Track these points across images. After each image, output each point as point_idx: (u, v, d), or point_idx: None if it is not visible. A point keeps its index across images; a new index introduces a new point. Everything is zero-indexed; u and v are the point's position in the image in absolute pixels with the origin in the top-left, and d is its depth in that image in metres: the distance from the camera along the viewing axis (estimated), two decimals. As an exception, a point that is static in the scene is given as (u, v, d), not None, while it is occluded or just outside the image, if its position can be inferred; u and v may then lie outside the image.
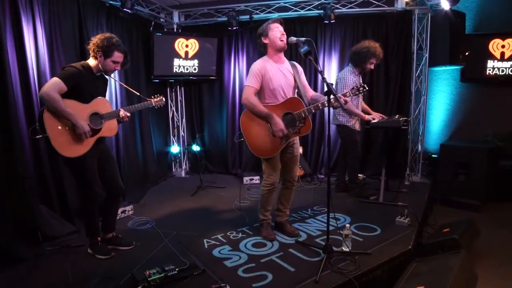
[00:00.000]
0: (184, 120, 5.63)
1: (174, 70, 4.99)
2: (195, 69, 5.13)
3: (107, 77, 2.76)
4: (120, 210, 3.59)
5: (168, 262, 2.43)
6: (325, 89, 5.08)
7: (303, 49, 2.54)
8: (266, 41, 2.82)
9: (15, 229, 2.72)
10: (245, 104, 2.75)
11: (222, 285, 2.20)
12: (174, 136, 5.65)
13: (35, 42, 3.01)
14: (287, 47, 2.84)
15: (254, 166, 5.37)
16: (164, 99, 3.03)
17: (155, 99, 2.97)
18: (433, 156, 4.84)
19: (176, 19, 5.23)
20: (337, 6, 4.71)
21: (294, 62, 2.98)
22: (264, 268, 2.51)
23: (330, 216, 3.20)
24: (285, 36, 2.78)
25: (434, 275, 2.33)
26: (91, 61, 2.57)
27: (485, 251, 3.11)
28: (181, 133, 5.63)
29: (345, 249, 2.73)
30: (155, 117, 5.15)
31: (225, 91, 5.46)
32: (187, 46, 4.98)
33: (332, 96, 2.52)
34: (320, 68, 2.57)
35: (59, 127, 2.39)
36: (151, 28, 4.80)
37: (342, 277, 2.35)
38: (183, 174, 5.59)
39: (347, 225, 2.78)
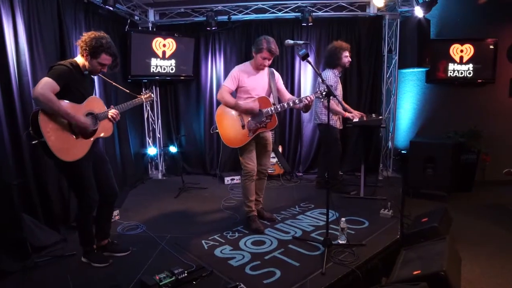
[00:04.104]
0: (160, 121, 5.49)
1: (152, 70, 4.85)
2: (172, 69, 5.04)
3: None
4: (106, 215, 3.46)
5: (175, 265, 2.41)
6: (302, 89, 5.32)
7: (301, 52, 2.64)
8: (254, 55, 3.16)
9: (0, 241, 2.52)
10: (219, 99, 3.16)
11: (236, 283, 2.22)
12: (149, 138, 5.49)
13: (15, 38, 2.78)
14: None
15: (232, 166, 5.40)
16: (153, 95, 2.95)
17: (145, 96, 2.87)
18: (403, 152, 5.19)
19: (151, 18, 5.09)
20: (313, 9, 4.89)
21: (273, 69, 3.33)
22: (270, 265, 2.57)
23: (320, 212, 3.59)
24: (267, 64, 3.16)
25: (426, 260, 2.53)
26: (79, 59, 2.44)
27: (457, 236, 3.42)
28: (157, 134, 5.49)
29: (341, 241, 2.88)
30: (131, 118, 4.97)
31: (202, 91, 5.41)
32: (164, 45, 4.87)
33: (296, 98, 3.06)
34: (319, 70, 2.66)
35: (56, 130, 2.25)
36: (127, 26, 4.63)
37: (345, 268, 2.49)
38: (159, 176, 5.46)
39: (343, 219, 2.92)
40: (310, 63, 2.67)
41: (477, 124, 4.89)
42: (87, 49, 2.37)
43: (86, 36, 2.40)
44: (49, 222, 3.04)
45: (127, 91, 2.99)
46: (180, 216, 3.71)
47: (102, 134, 2.57)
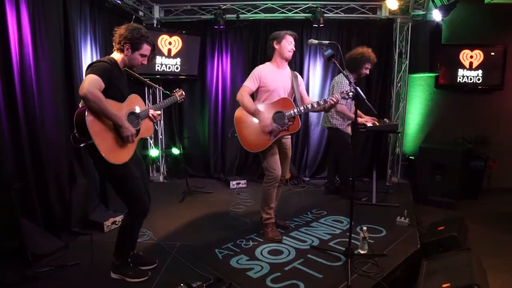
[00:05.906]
0: (162, 121, 5.30)
1: (156, 68, 4.67)
2: (177, 68, 4.86)
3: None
4: (110, 221, 3.27)
5: (190, 277, 2.26)
6: (310, 90, 5.20)
7: (327, 52, 2.51)
8: (276, 46, 3.00)
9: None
10: (239, 101, 2.97)
11: (261, 298, 2.07)
12: (151, 139, 5.29)
13: (18, 30, 2.58)
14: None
15: (238, 170, 5.24)
16: (183, 92, 2.79)
17: (178, 93, 2.71)
18: (410, 157, 5.12)
19: (156, 14, 4.91)
20: (324, 10, 4.78)
21: (296, 73, 3.18)
22: (292, 277, 2.42)
23: (334, 219, 3.48)
24: (293, 50, 3.03)
25: (453, 271, 2.41)
26: (116, 55, 2.27)
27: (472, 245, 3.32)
28: (159, 135, 5.29)
29: (362, 251, 2.75)
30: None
31: (207, 92, 5.25)
32: (170, 43, 4.70)
33: (319, 100, 2.93)
34: (346, 72, 2.55)
35: (103, 131, 2.08)
36: (132, 22, 4.43)
37: (370, 280, 2.36)
38: (161, 179, 5.26)
39: (364, 228, 2.80)
40: (336, 63, 2.55)
41: (485, 131, 4.85)
42: (128, 42, 2.21)
43: (122, 29, 2.24)
44: (50, 227, 2.84)
45: (161, 89, 3.00)
46: (188, 222, 3.53)
47: (144, 134, 2.41)
